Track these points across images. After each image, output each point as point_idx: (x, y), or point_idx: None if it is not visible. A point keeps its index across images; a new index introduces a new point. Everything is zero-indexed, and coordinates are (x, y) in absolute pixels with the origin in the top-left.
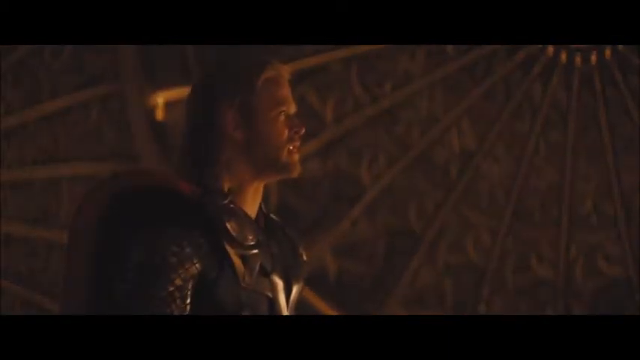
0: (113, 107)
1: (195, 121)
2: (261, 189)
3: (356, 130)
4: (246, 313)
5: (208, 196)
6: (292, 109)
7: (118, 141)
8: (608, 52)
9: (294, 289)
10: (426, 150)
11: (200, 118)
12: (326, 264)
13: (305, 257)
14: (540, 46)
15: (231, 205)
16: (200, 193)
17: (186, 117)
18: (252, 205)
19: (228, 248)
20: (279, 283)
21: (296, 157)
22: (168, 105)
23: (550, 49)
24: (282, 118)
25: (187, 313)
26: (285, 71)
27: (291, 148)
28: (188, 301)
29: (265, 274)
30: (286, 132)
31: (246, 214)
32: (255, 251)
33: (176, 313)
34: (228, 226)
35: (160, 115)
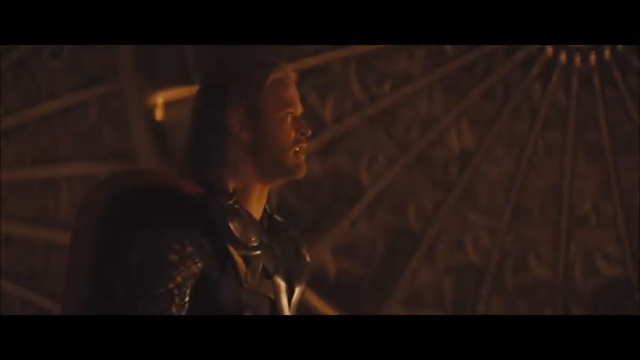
0: (112, 107)
1: (202, 120)
2: (266, 190)
3: (355, 130)
4: (247, 314)
5: (212, 196)
6: (299, 110)
7: (117, 141)
8: (607, 52)
9: (297, 291)
10: (426, 150)
11: (206, 117)
12: (325, 264)
13: (308, 258)
14: (539, 46)
15: (235, 206)
16: (204, 193)
17: (192, 116)
18: (257, 206)
19: (231, 249)
20: (282, 285)
21: (302, 158)
22: (168, 105)
23: (549, 49)
24: (288, 119)
25: (185, 311)
26: (293, 72)
27: (297, 149)
28: (187, 299)
29: (268, 275)
30: (293, 133)
31: (250, 215)
32: (258, 252)
33: (175, 310)
34: (231, 226)
35: (159, 115)
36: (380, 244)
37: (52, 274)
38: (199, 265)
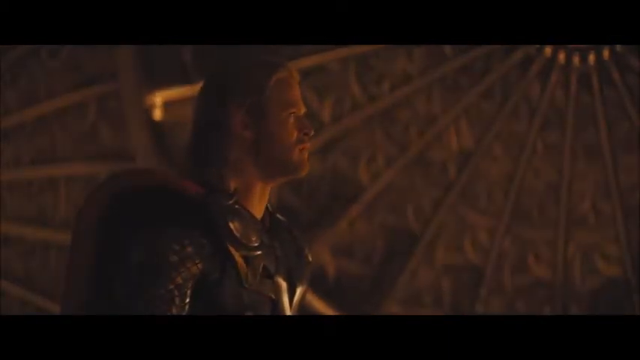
0: (111, 107)
1: (204, 120)
2: (268, 189)
3: (354, 130)
4: (248, 314)
5: (213, 196)
6: (302, 110)
7: (116, 141)
8: (606, 52)
9: (298, 291)
10: (424, 150)
11: (209, 117)
12: (324, 264)
13: (310, 258)
14: (538, 46)
15: (236, 206)
16: (204, 193)
17: (195, 115)
18: (258, 206)
19: (232, 249)
20: (283, 285)
21: (304, 157)
22: (166, 105)
23: (548, 49)
24: (291, 119)
25: (186, 312)
26: (296, 73)
27: (300, 149)
28: (187, 300)
29: (268, 275)
30: (296, 133)
31: (251, 215)
32: (259, 252)
33: (175, 311)
34: (232, 226)
35: (157, 114)
36: (379, 243)
37: (51, 274)
38: (199, 265)
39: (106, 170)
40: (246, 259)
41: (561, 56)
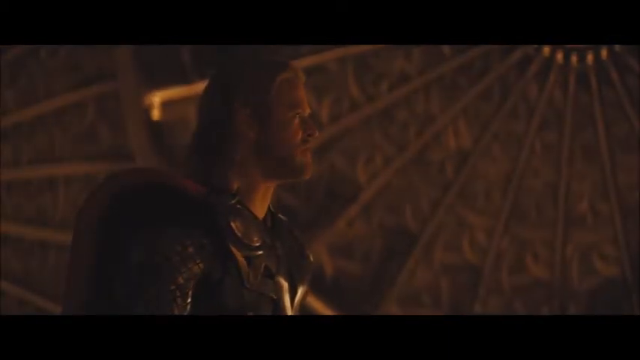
0: (109, 107)
1: (209, 119)
2: (271, 189)
3: (352, 130)
4: (249, 314)
5: (215, 195)
6: (307, 111)
7: (114, 141)
8: (604, 51)
9: (299, 291)
10: (422, 150)
11: (214, 116)
12: (322, 263)
13: (311, 258)
14: (536, 45)
15: (238, 206)
16: (206, 192)
17: (199, 114)
18: (261, 206)
19: (233, 249)
20: (284, 285)
21: (308, 158)
22: (165, 104)
23: (546, 48)
24: (296, 120)
25: (187, 312)
26: (302, 73)
27: (303, 150)
28: (189, 300)
29: (270, 275)
30: (300, 134)
31: (252, 215)
32: (260, 252)
33: (176, 312)
34: (233, 226)
35: (156, 114)
36: (377, 243)
37: (49, 274)
38: (201, 265)
39: (105, 170)
40: (247, 259)
41: (559, 56)
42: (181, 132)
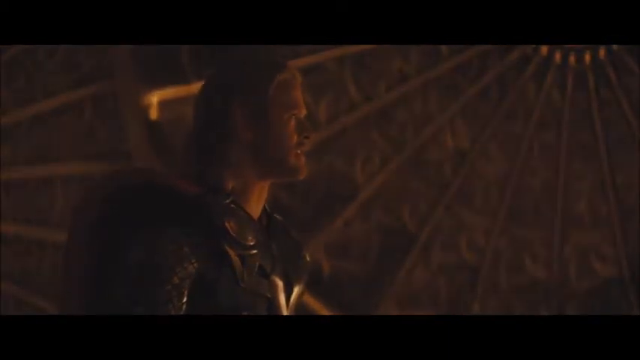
0: (107, 107)
1: (205, 118)
2: (266, 189)
3: (350, 130)
4: (244, 313)
5: (209, 195)
6: (303, 112)
7: (112, 140)
8: (602, 51)
9: (295, 290)
10: (420, 150)
11: (210, 116)
12: (320, 263)
13: (308, 258)
14: (534, 45)
15: (232, 205)
16: (201, 192)
17: (195, 114)
18: (256, 206)
19: (228, 248)
20: (279, 284)
21: (303, 160)
22: (163, 104)
23: (544, 48)
24: (292, 121)
25: (183, 312)
26: (299, 74)
27: (298, 152)
28: (184, 300)
29: (264, 274)
30: (295, 136)
31: (247, 214)
32: (255, 252)
33: (172, 312)
34: (228, 226)
35: (153, 114)
36: (374, 243)
37: (47, 274)
38: (195, 265)
39: (103, 170)
40: (242, 258)
41: (557, 56)
42: (179, 131)
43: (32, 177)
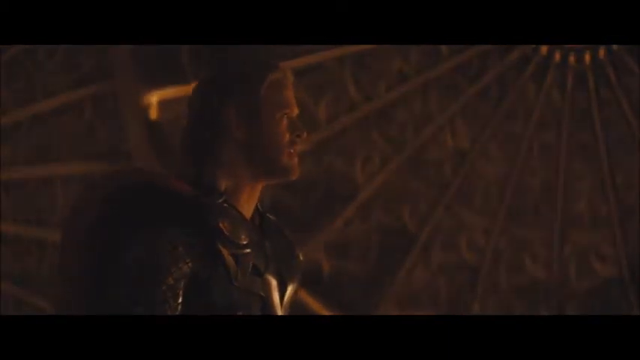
0: (107, 107)
1: (198, 119)
2: (258, 189)
3: (350, 130)
4: (238, 312)
5: (203, 195)
6: (295, 112)
7: (112, 140)
8: (602, 51)
9: (289, 289)
10: (420, 150)
11: (203, 117)
12: (319, 263)
13: (302, 257)
14: (534, 45)
15: (225, 205)
16: (193, 192)
17: (189, 115)
18: (248, 205)
19: (221, 247)
20: (273, 283)
21: (295, 160)
22: (162, 104)
23: (544, 48)
24: (284, 120)
25: (179, 312)
26: (290, 74)
27: (291, 151)
28: (180, 300)
29: (258, 273)
30: (288, 135)
31: (240, 214)
32: (248, 251)
33: (168, 312)
34: (221, 225)
35: (153, 114)
36: (374, 243)
37: (47, 274)
38: (190, 264)
39: (103, 170)
40: (235, 257)
41: (557, 56)
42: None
43: (32, 177)
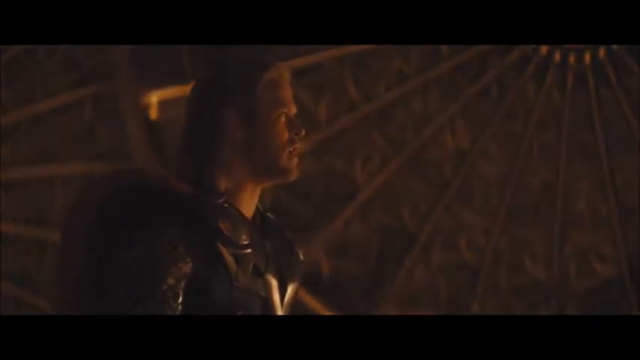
0: (106, 106)
1: (196, 120)
2: (259, 190)
3: (349, 130)
4: (239, 312)
5: (202, 195)
6: (293, 110)
7: (112, 140)
8: (602, 51)
9: (290, 289)
10: (420, 150)
11: (201, 117)
12: (319, 263)
13: (302, 257)
14: (534, 45)
15: (226, 205)
16: (194, 192)
17: (187, 116)
18: (248, 205)
19: (221, 248)
20: (273, 283)
21: (295, 160)
22: (162, 104)
23: (544, 48)
24: (282, 119)
25: (179, 312)
26: (287, 73)
27: (291, 150)
28: (180, 300)
29: (259, 273)
30: (286, 134)
31: (240, 214)
32: (249, 251)
33: (168, 312)
34: (222, 225)
35: (153, 114)
36: (374, 243)
37: (47, 274)
38: (190, 265)
39: (103, 170)
40: (235, 257)
41: (557, 56)
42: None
43: (32, 177)
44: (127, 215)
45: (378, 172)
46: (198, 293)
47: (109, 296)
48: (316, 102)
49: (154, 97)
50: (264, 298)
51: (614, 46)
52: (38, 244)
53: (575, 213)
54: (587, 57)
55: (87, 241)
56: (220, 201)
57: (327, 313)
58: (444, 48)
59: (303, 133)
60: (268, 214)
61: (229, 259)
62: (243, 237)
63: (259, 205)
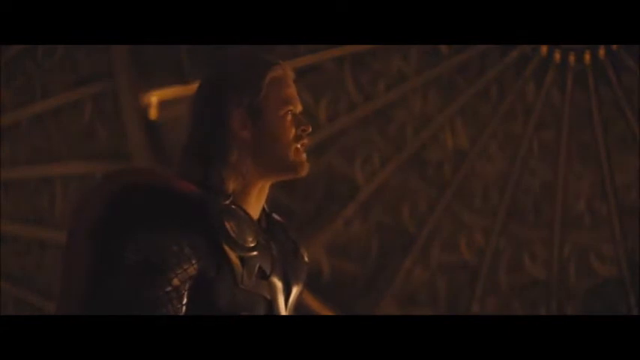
0: (106, 106)
1: (202, 120)
2: (266, 189)
3: (349, 130)
4: (243, 314)
5: (209, 196)
6: (299, 107)
7: (111, 140)
8: (601, 51)
9: (294, 291)
10: (420, 149)
11: (207, 117)
12: (319, 263)
13: (306, 259)
14: (534, 45)
15: (232, 206)
16: (200, 192)
17: (193, 116)
18: (255, 206)
19: (227, 249)
20: (278, 285)
21: (303, 156)
22: (162, 104)
23: (544, 48)
24: (289, 117)
25: (183, 313)
26: (291, 71)
27: (298, 146)
28: (184, 301)
29: (264, 276)
30: (293, 131)
31: (247, 215)
32: (255, 253)
33: (172, 313)
34: (228, 227)
35: (153, 114)
36: (374, 243)
37: (47, 273)
38: (196, 266)
39: (102, 169)
40: (241, 259)
41: (557, 56)
42: (178, 131)
43: (32, 177)
44: (133, 215)
45: (378, 172)
46: (202, 295)
47: (113, 296)
48: (316, 102)
49: (153, 97)
50: (268, 300)
51: (614, 46)
52: (38, 244)
53: (575, 213)
54: (587, 57)
55: (92, 240)
56: (227, 202)
57: (327, 312)
58: (443, 48)
59: (310, 129)
60: (274, 214)
61: (235, 261)
62: (250, 239)
63: (265, 206)
